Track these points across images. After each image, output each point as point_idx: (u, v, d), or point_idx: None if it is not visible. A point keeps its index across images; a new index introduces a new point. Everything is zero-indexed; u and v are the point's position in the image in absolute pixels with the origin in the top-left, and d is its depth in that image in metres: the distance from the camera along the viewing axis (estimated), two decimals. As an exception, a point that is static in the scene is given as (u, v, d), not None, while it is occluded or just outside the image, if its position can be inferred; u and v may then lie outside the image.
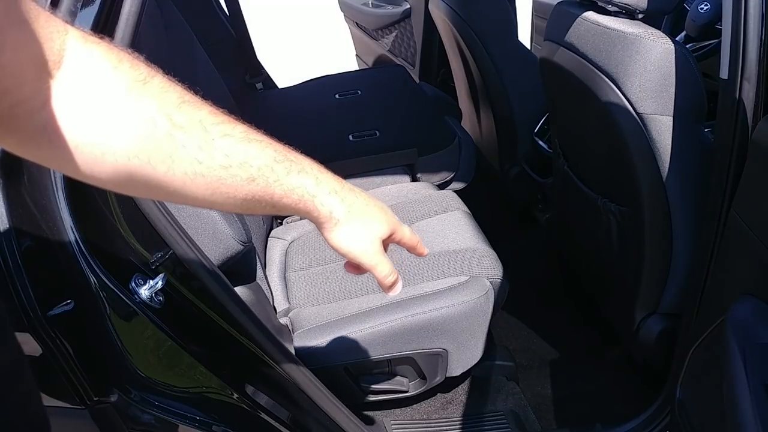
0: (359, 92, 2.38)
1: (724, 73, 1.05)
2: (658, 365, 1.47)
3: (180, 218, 1.07)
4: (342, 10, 3.15)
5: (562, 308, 1.97)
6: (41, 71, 0.46)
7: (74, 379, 1.02)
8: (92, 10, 0.90)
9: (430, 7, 2.31)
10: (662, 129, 1.25)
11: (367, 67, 3.21)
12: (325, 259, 1.65)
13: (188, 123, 0.52)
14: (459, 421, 1.58)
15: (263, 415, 1.19)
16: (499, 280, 1.48)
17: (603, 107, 1.32)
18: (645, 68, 1.23)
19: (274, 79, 2.70)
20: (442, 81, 2.69)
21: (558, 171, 1.77)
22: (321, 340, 1.38)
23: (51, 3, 0.88)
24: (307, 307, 1.50)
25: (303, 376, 1.21)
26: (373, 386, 1.48)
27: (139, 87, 0.51)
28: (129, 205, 1.00)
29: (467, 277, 1.46)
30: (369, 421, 1.49)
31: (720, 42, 1.06)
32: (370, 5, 2.91)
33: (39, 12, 0.45)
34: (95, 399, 1.05)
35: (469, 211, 1.75)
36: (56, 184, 0.93)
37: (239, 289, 1.31)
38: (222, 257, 1.23)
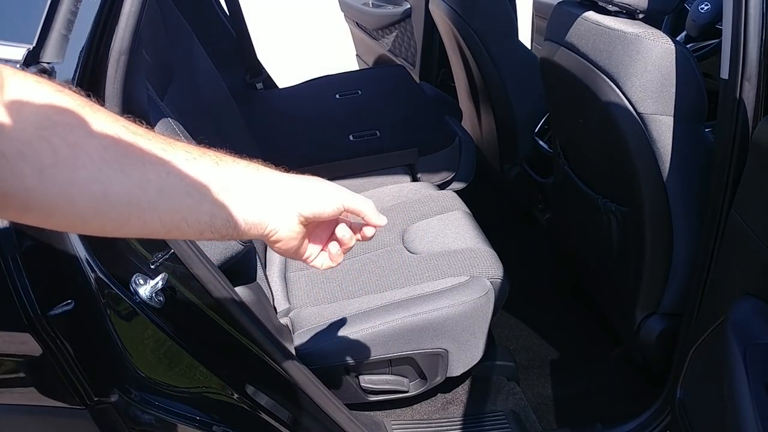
0: (359, 92, 2.38)
1: (724, 73, 1.05)
2: (658, 365, 1.47)
3: (180, 218, 1.07)
4: (342, 10, 3.14)
5: (562, 308, 1.97)
6: None
7: (74, 379, 1.02)
8: (92, 10, 0.90)
9: (431, 6, 2.31)
10: (663, 129, 1.25)
11: (367, 67, 3.21)
12: (325, 259, 1.65)
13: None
14: (459, 421, 1.57)
15: (263, 415, 1.19)
16: (499, 280, 1.48)
17: (603, 107, 1.32)
18: (645, 68, 1.23)
19: (274, 79, 2.70)
20: (443, 81, 2.69)
21: (558, 171, 1.77)
22: (321, 340, 1.38)
23: (51, 3, 0.88)
24: (307, 307, 1.50)
25: (303, 376, 1.21)
26: (373, 386, 1.48)
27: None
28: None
29: (467, 277, 1.46)
30: (369, 421, 1.49)
31: (720, 42, 1.06)
32: (371, 5, 2.90)
33: None
34: (95, 399, 1.05)
35: (469, 211, 1.75)
36: (56, 184, 0.93)
37: (239, 289, 1.31)
38: (222, 257, 1.23)
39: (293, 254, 0.68)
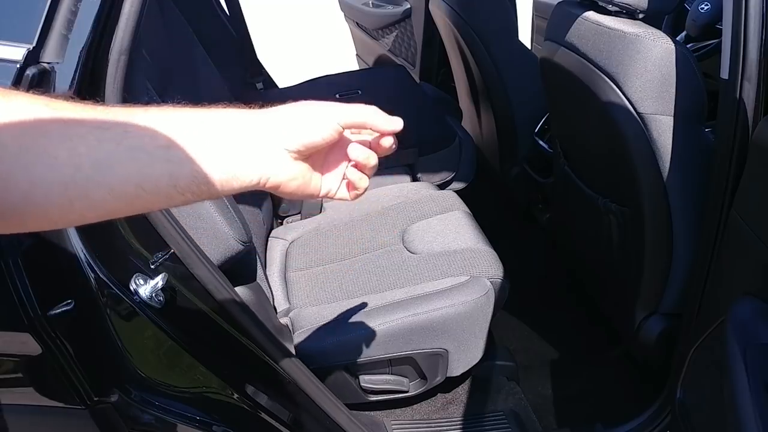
0: (359, 92, 2.38)
1: (724, 73, 1.05)
2: (658, 365, 1.47)
3: (180, 218, 1.07)
4: (342, 10, 3.14)
5: (562, 308, 1.97)
6: None
7: (74, 379, 1.02)
8: (92, 10, 0.90)
9: (431, 6, 2.31)
10: (663, 129, 1.25)
11: (367, 66, 3.21)
12: (325, 259, 1.65)
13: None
14: (459, 421, 1.57)
15: (263, 415, 1.19)
16: (499, 280, 1.48)
17: (603, 107, 1.32)
18: (645, 68, 1.23)
19: (274, 79, 2.70)
20: (443, 81, 2.69)
21: (558, 171, 1.77)
22: (321, 340, 1.38)
23: (51, 3, 0.88)
24: (307, 307, 1.50)
25: (303, 376, 1.21)
26: (373, 386, 1.48)
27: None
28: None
29: (468, 277, 1.46)
30: (369, 421, 1.49)
31: (720, 42, 1.06)
32: (371, 5, 2.90)
33: None
34: (95, 399, 1.05)
35: (469, 211, 1.75)
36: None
37: (239, 289, 1.31)
38: (222, 257, 1.23)
39: (306, 195, 0.58)
